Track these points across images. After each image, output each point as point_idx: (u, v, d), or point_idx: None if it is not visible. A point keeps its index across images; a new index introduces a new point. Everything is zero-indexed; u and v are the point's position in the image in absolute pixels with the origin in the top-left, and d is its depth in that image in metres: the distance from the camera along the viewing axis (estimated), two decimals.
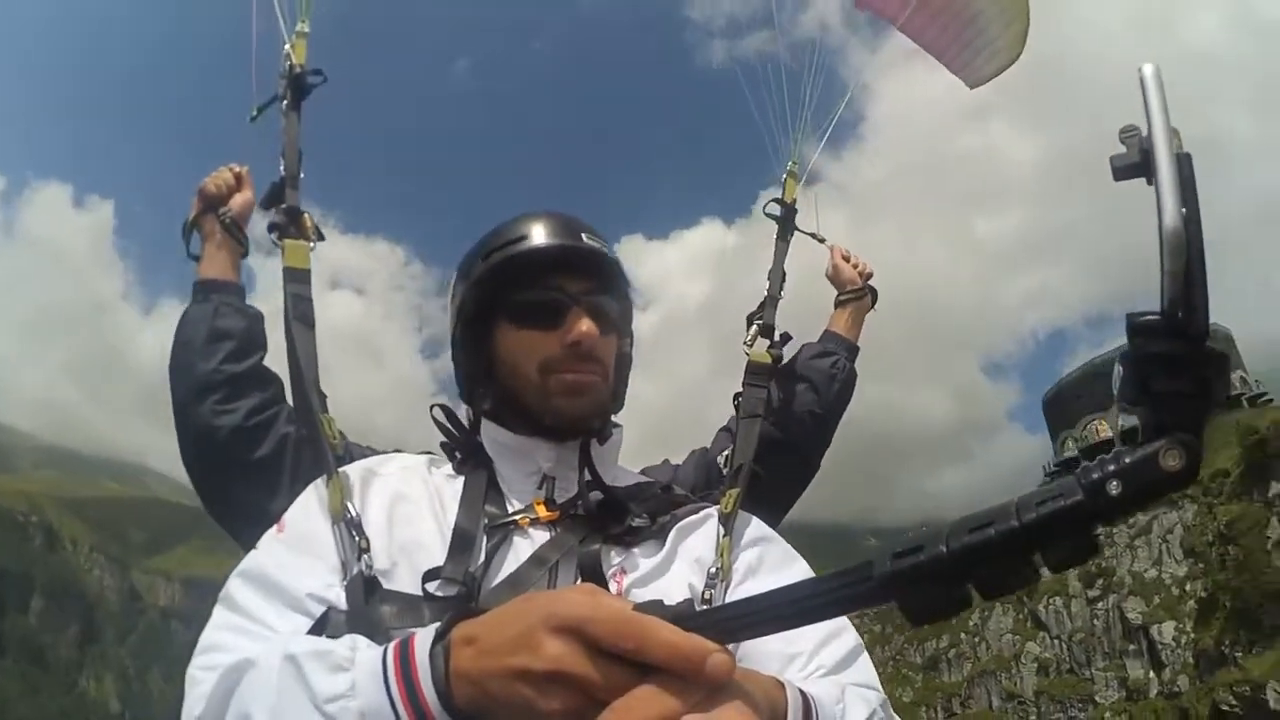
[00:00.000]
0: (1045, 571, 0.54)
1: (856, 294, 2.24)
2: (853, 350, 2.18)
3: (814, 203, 2.27)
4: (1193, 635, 25.07)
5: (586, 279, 1.18)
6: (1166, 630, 25.80)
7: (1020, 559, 0.53)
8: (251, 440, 1.65)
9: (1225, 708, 21.93)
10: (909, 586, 0.56)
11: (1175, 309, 0.51)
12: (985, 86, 2.54)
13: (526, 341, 1.15)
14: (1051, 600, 30.59)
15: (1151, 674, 25.14)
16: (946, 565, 0.54)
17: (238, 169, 1.90)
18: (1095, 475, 0.52)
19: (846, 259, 2.29)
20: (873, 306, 2.30)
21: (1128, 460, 0.51)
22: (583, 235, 1.18)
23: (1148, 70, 0.53)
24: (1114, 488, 0.51)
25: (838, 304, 2.26)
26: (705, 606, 1.02)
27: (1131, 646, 25.93)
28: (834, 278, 2.30)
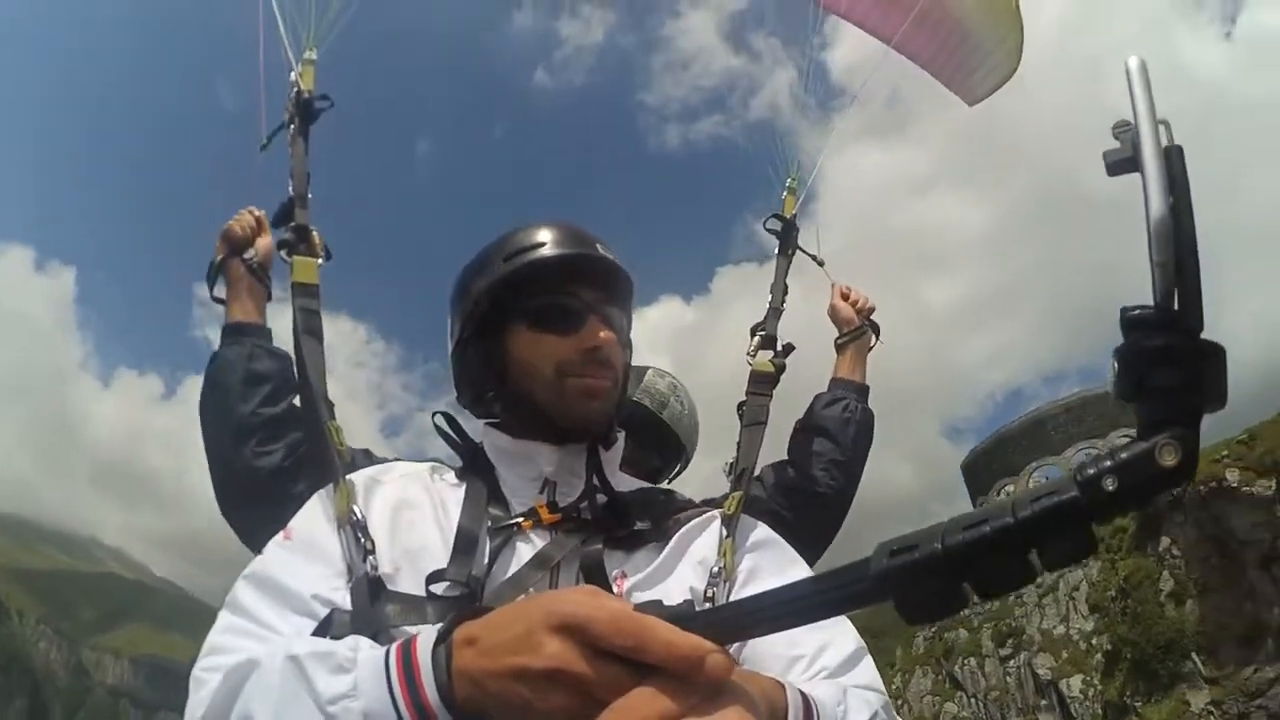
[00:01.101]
0: (1045, 572, 0.54)
1: (855, 334, 2.23)
2: (862, 391, 2.17)
3: (814, 223, 2.26)
4: (1099, 688, 25.62)
5: (601, 288, 1.20)
6: (1074, 684, 26.27)
7: (1016, 557, 0.53)
8: (290, 478, 1.68)
9: None
10: (904, 584, 0.55)
11: (1169, 301, 0.50)
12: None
13: (544, 344, 1.17)
14: (967, 660, 30.99)
15: None
16: (942, 563, 0.54)
17: (258, 213, 1.91)
18: (1091, 472, 0.51)
19: (846, 297, 2.27)
20: (876, 342, 2.28)
21: (1124, 456, 0.51)
22: (598, 246, 1.21)
23: (1133, 63, 0.53)
24: (1109, 484, 0.50)
25: (838, 347, 2.25)
26: (707, 606, 1.03)
27: (1044, 701, 26.31)
28: (833, 317, 2.28)
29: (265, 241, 1.89)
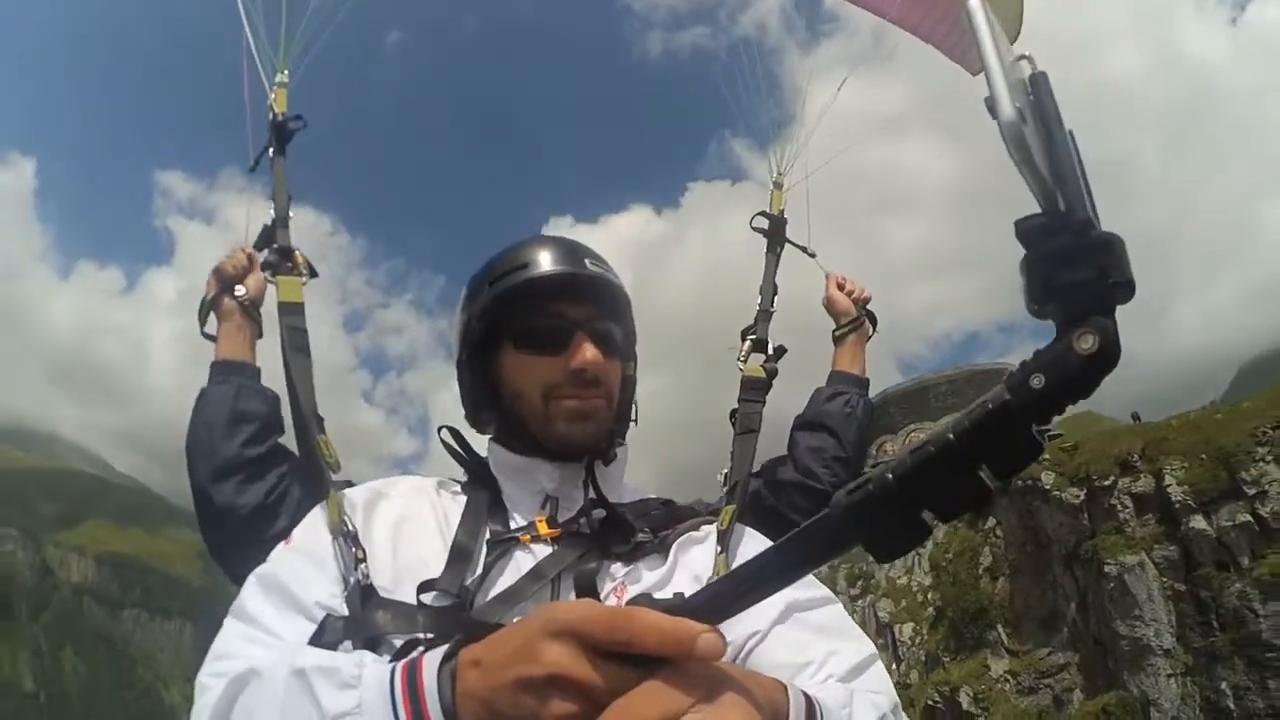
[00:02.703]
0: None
1: (852, 325, 2.20)
2: (862, 384, 2.15)
3: (805, 213, 2.23)
4: (924, 637, 29.24)
5: (589, 305, 1.19)
6: (906, 630, 29.55)
7: (967, 473, 0.53)
8: (272, 515, 1.69)
9: (930, 703, 26.16)
10: (866, 521, 0.56)
11: (1052, 204, 0.51)
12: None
13: (530, 366, 1.17)
14: None
15: (894, 665, 29.12)
16: (895, 491, 0.55)
17: (249, 251, 1.90)
18: (1018, 376, 0.52)
19: (842, 287, 2.24)
20: (873, 332, 2.25)
21: (1046, 354, 0.52)
22: (586, 261, 1.20)
23: (973, 3, 0.56)
24: (1037, 381, 0.51)
25: (835, 339, 2.22)
26: None
27: (880, 641, 29.69)
28: (829, 309, 2.25)
29: (255, 279, 1.88)
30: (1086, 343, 0.50)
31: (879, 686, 1.00)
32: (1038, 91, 0.55)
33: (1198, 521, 21.43)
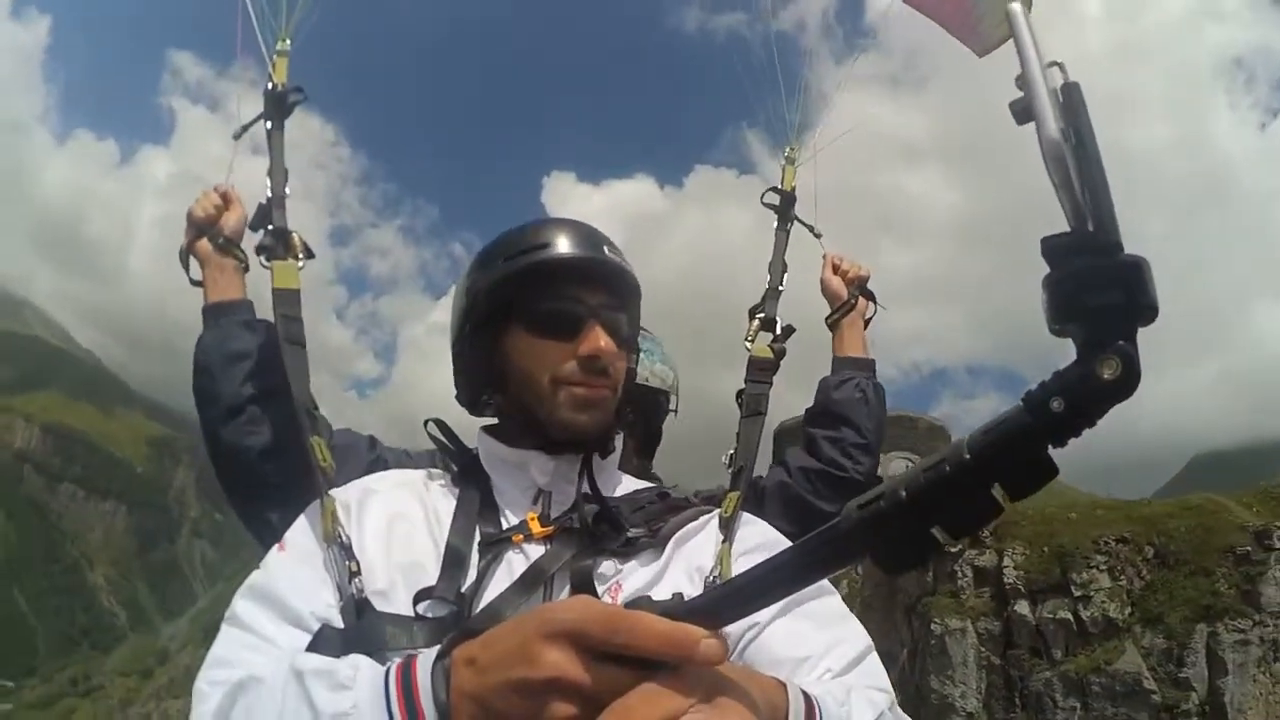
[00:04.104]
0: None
1: (844, 309, 2.14)
2: (868, 365, 2.11)
3: (814, 191, 2.15)
4: None
5: (605, 293, 1.16)
6: None
7: (980, 492, 0.53)
8: (283, 456, 1.63)
9: None
10: (876, 536, 0.56)
11: (1082, 224, 0.51)
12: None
13: (541, 350, 1.14)
14: None
15: None
16: (908, 508, 0.54)
17: (223, 188, 1.83)
18: (1038, 396, 0.52)
19: (837, 269, 2.19)
20: (874, 310, 2.20)
21: (1066, 376, 0.51)
22: (604, 248, 1.17)
23: (1014, 7, 0.55)
24: (1057, 405, 0.51)
25: (829, 324, 2.16)
26: None
27: None
28: (825, 292, 2.19)
29: (233, 215, 1.81)
30: (1109, 369, 0.50)
31: (876, 681, 1.00)
32: (1070, 103, 0.53)
33: (1023, 606, 22.60)
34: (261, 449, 1.66)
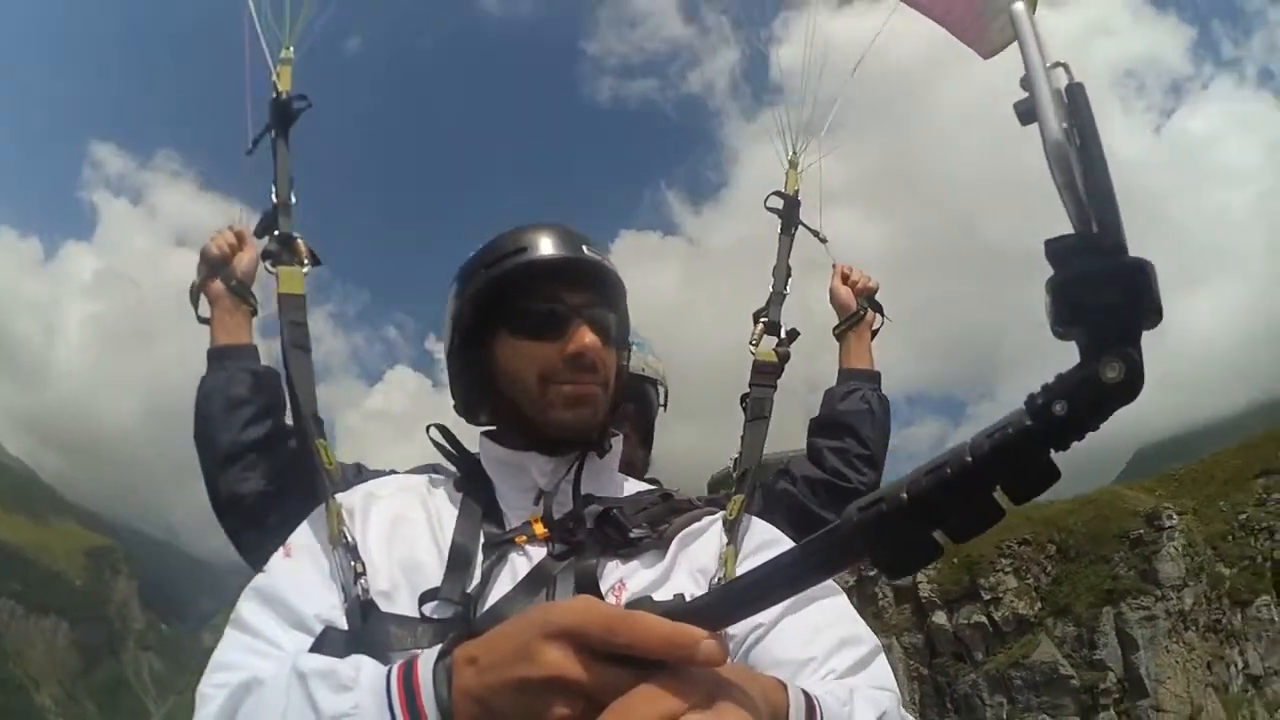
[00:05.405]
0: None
1: (852, 320, 2.15)
2: (874, 377, 2.11)
3: (818, 195, 2.16)
4: None
5: (587, 291, 1.17)
6: None
7: (981, 495, 0.53)
8: (275, 500, 1.65)
9: None
10: (877, 538, 0.55)
11: (1086, 226, 0.50)
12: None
13: (527, 352, 1.14)
14: None
15: None
16: (909, 510, 0.54)
17: (238, 229, 1.83)
18: (1040, 400, 0.51)
19: (847, 279, 2.20)
20: (881, 321, 2.20)
21: (1069, 380, 0.51)
22: (584, 247, 1.17)
23: (1018, 8, 0.54)
24: (1059, 408, 0.50)
25: (837, 335, 2.18)
26: None
27: None
28: (833, 302, 2.20)
29: (246, 257, 1.80)
30: (1113, 371, 0.49)
31: (882, 682, 0.99)
32: (1075, 104, 0.53)
33: (940, 617, 24.03)
34: (259, 495, 1.67)
